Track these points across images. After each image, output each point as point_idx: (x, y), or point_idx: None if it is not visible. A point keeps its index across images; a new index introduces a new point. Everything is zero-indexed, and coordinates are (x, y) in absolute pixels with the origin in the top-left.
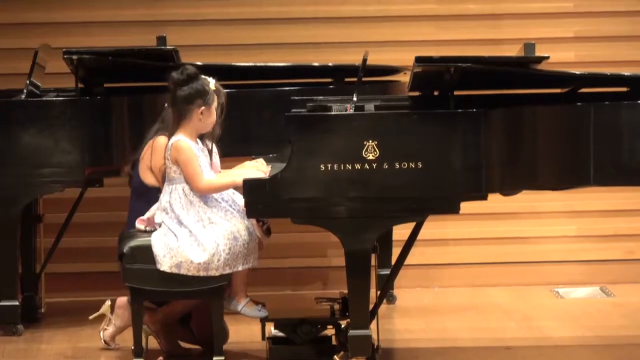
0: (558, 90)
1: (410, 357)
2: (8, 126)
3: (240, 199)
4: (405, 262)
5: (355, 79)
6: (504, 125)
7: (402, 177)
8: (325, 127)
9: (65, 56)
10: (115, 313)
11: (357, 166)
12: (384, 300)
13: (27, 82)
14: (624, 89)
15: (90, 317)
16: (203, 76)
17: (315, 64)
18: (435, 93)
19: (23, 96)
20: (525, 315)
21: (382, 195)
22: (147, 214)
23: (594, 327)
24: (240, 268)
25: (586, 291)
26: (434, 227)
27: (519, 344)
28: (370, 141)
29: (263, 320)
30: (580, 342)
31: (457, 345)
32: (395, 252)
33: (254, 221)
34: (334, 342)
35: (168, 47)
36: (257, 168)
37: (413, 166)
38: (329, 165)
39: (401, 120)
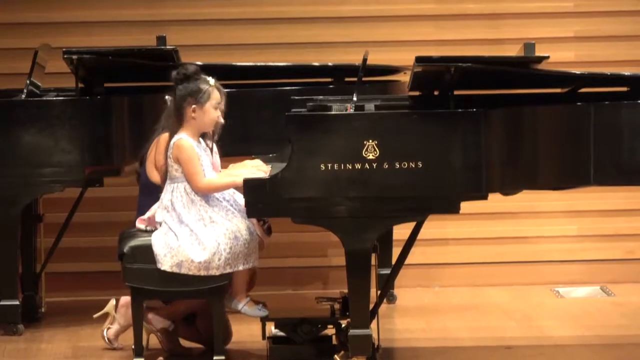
0: (558, 90)
1: (411, 356)
2: (8, 126)
3: (241, 199)
4: (406, 262)
5: (355, 79)
6: (504, 125)
7: (402, 177)
8: (326, 127)
9: (65, 56)
10: (118, 312)
11: (357, 166)
12: (384, 300)
13: (27, 81)
14: (624, 89)
15: (95, 316)
16: (203, 75)
17: (316, 63)
18: (436, 93)
19: (23, 96)
20: (525, 314)
21: (382, 194)
22: (148, 214)
23: (594, 327)
24: (241, 268)
25: (586, 291)
26: (434, 226)
27: (519, 344)
28: (371, 141)
29: (263, 320)
30: (581, 341)
31: (457, 345)
32: (396, 251)
33: (254, 220)
34: (334, 341)
35: (168, 47)
36: (258, 167)
37: (413, 166)
38: (329, 165)
39: (401, 120)
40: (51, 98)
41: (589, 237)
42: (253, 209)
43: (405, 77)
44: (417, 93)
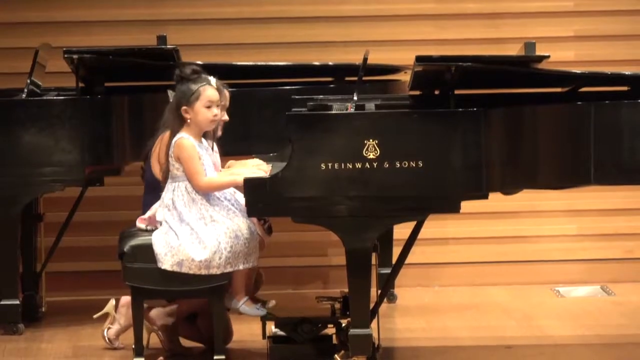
0: (558, 90)
1: (411, 356)
2: (8, 125)
3: (242, 198)
4: (406, 261)
5: (355, 78)
6: (505, 125)
7: (402, 176)
8: (326, 126)
9: (65, 55)
10: (119, 311)
11: (358, 165)
12: (385, 299)
13: (28, 81)
14: (625, 88)
15: (95, 316)
16: (204, 75)
17: (316, 63)
18: (436, 92)
19: (24, 95)
20: (525, 314)
21: (382, 194)
22: (148, 213)
23: (594, 326)
24: (241, 267)
25: (586, 290)
26: (434, 226)
27: (519, 343)
28: (371, 140)
29: (264, 319)
30: (581, 341)
31: (457, 344)
32: (396, 251)
33: (255, 220)
34: (334, 341)
35: (168, 46)
36: (258, 167)
37: (414, 165)
38: (330, 164)
39: (402, 120)
40: (51, 97)
41: (589, 236)
42: (253, 209)
43: (405, 77)
44: (417, 92)
